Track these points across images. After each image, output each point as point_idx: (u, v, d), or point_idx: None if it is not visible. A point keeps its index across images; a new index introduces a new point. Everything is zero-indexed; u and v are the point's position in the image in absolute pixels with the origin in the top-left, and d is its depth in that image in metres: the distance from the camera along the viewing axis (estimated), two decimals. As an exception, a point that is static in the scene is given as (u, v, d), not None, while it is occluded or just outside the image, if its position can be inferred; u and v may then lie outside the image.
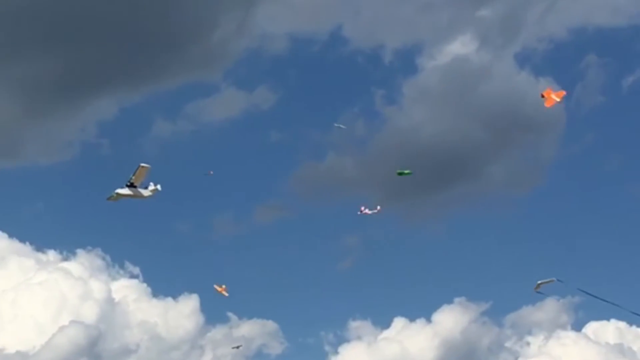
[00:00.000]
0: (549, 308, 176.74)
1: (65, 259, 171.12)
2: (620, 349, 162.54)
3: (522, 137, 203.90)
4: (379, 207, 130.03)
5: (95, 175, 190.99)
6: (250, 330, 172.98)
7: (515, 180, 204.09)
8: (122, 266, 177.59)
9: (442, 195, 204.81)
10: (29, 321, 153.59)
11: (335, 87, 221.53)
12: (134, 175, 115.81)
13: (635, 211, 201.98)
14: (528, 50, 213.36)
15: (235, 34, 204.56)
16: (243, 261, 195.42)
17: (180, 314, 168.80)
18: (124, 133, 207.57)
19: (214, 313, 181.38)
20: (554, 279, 73.69)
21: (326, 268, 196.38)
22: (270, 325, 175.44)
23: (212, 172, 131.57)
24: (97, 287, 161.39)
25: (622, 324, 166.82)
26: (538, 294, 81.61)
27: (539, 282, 74.69)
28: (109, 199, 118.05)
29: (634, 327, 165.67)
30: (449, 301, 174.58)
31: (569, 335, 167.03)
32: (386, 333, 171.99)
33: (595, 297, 77.76)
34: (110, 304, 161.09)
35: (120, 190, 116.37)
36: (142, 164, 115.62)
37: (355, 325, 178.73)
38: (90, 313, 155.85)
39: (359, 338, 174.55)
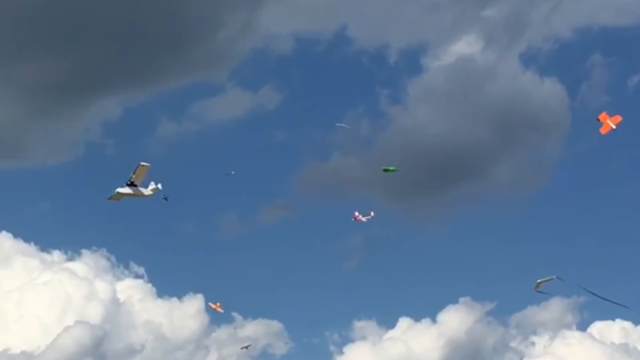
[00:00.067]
0: (554, 308, 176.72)
1: (70, 259, 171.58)
2: (625, 348, 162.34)
3: (527, 137, 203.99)
4: (372, 213, 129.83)
5: (100, 175, 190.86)
6: (255, 330, 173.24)
7: (520, 180, 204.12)
8: (127, 266, 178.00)
9: (447, 195, 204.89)
10: (34, 321, 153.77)
11: (340, 87, 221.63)
12: (134, 174, 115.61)
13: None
14: (533, 50, 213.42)
15: (240, 34, 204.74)
16: (248, 261, 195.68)
17: (185, 314, 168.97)
18: (129, 133, 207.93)
19: (218, 313, 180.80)
20: (554, 277, 73.53)
21: (331, 268, 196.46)
22: (275, 325, 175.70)
23: (233, 172, 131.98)
24: (102, 287, 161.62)
25: (628, 324, 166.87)
26: (543, 294, 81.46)
27: (539, 280, 74.54)
28: (110, 198, 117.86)
29: (639, 327, 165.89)
30: (454, 301, 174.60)
31: (574, 335, 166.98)
32: (391, 333, 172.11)
33: (596, 295, 77.70)
34: (115, 304, 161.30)
35: (120, 190, 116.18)
36: (142, 163, 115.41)
37: (360, 325, 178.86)
38: (95, 313, 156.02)
39: (364, 338, 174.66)
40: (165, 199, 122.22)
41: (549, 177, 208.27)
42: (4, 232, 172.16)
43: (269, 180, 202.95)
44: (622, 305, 76.76)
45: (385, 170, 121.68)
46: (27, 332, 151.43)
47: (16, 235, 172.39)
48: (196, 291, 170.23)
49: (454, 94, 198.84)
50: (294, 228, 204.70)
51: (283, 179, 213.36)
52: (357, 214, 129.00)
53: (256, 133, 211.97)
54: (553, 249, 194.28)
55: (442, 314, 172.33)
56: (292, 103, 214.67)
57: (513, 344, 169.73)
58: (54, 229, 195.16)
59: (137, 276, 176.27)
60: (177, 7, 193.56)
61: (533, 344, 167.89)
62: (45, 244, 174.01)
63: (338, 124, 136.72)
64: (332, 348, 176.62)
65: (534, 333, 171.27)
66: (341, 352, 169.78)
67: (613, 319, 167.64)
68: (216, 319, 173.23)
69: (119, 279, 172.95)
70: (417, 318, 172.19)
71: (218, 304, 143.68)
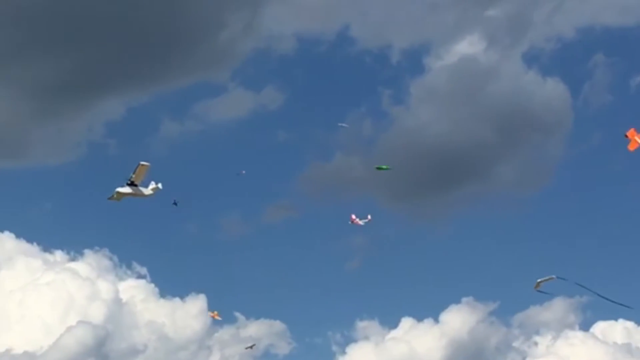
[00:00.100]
0: (557, 308, 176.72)
1: (73, 259, 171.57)
2: (628, 348, 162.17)
3: (529, 137, 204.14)
4: (369, 217, 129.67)
5: (102, 175, 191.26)
6: (258, 330, 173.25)
7: (522, 180, 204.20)
8: (129, 266, 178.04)
9: (449, 195, 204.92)
10: (36, 321, 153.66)
11: (342, 87, 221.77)
12: (134, 173, 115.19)
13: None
14: (536, 50, 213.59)
15: (243, 34, 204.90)
16: (250, 261, 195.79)
17: (188, 314, 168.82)
18: (132, 133, 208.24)
19: (221, 313, 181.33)
20: (554, 276, 73.32)
21: (334, 268, 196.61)
22: (278, 325, 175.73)
23: (244, 172, 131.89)
24: (104, 287, 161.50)
25: (630, 324, 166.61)
26: (546, 294, 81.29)
27: (539, 280, 74.32)
28: (110, 198, 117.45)
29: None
30: (457, 301, 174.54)
31: (577, 335, 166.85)
32: (394, 333, 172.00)
33: (598, 294, 77.57)
34: (117, 304, 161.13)
35: (120, 189, 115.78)
36: (142, 162, 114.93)
37: (362, 325, 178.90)
38: (97, 313, 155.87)
39: (366, 338, 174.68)
40: (175, 204, 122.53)
41: (551, 177, 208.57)
42: (6, 232, 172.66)
43: (272, 180, 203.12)
44: (624, 306, 76.60)
45: (379, 168, 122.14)
46: (30, 332, 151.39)
47: (19, 235, 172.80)
48: (199, 291, 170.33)
49: (457, 93, 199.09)
50: (296, 228, 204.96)
51: (286, 179, 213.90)
52: (354, 217, 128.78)
53: (259, 133, 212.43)
54: (555, 248, 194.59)
55: (445, 314, 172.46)
56: (295, 103, 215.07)
57: (516, 344, 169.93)
58: (56, 229, 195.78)
59: (140, 276, 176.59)
60: (180, 7, 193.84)
61: (536, 344, 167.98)
62: (47, 244, 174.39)
63: (339, 124, 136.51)
64: (334, 348, 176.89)
65: (537, 333, 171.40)
66: (344, 352, 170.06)
67: (616, 319, 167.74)
68: (219, 319, 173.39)
69: (121, 279, 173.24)
70: (419, 318, 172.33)
71: (215, 312, 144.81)
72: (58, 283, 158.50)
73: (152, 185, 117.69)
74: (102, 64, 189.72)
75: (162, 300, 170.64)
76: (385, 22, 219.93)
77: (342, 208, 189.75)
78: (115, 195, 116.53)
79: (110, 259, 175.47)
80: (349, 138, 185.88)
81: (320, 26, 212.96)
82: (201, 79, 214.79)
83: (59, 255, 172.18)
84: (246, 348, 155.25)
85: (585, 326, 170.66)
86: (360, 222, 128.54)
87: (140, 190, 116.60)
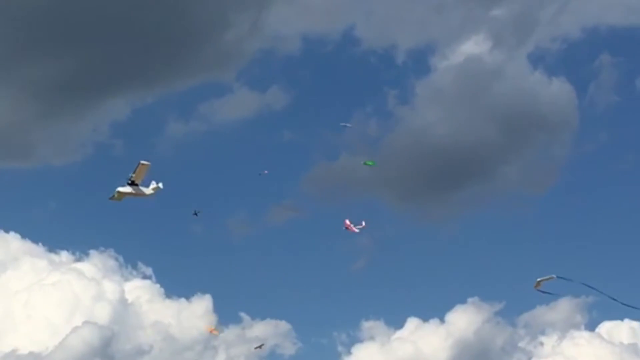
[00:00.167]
0: (563, 308, 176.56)
1: (78, 259, 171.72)
2: (634, 348, 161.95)
3: (535, 137, 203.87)
4: (363, 223, 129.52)
5: (108, 175, 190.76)
6: (263, 330, 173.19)
7: (528, 180, 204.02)
8: (135, 267, 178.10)
9: (455, 195, 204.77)
10: (42, 322, 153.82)
11: (347, 87, 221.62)
12: (134, 173, 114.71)
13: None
14: (541, 50, 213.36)
15: (248, 35, 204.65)
16: (256, 261, 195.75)
17: (194, 315, 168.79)
18: (137, 133, 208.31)
19: (227, 313, 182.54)
20: (554, 276, 72.96)
21: (339, 268, 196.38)
22: (283, 325, 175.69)
23: (266, 172, 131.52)
24: (110, 287, 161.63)
25: (636, 324, 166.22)
26: (552, 295, 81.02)
27: (539, 279, 73.93)
28: (111, 198, 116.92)
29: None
30: (463, 301, 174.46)
31: (583, 335, 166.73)
32: (399, 333, 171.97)
33: (600, 292, 77.24)
34: (123, 305, 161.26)
35: (121, 189, 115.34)
36: (142, 161, 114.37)
37: (368, 325, 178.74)
38: (103, 314, 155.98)
39: (372, 338, 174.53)
40: (195, 214, 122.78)
41: (557, 177, 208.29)
42: (12, 233, 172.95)
43: (277, 181, 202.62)
44: (631, 307, 76.35)
45: (365, 163, 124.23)
46: (35, 332, 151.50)
47: (24, 235, 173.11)
48: (204, 292, 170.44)
49: (462, 94, 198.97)
50: (302, 228, 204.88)
51: (291, 179, 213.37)
52: (348, 222, 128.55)
53: (264, 133, 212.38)
54: (561, 248, 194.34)
55: (451, 314, 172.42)
56: (300, 103, 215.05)
57: (521, 344, 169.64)
58: (61, 229, 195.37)
59: (145, 277, 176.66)
60: (185, 7, 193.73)
61: (541, 344, 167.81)
62: (53, 245, 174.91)
63: (342, 124, 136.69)
64: (340, 348, 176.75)
65: (543, 333, 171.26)
66: (349, 353, 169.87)
67: (622, 319, 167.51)
68: (224, 319, 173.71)
69: (127, 279, 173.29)
70: (425, 318, 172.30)
71: (213, 327, 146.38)
72: (63, 283, 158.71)
73: (153, 184, 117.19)
74: (107, 64, 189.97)
75: (167, 301, 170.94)
76: (391, 22, 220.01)
77: (347, 208, 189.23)
78: (116, 195, 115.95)
79: (116, 259, 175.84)
80: (354, 138, 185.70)
81: (325, 26, 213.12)
82: (206, 79, 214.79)
83: (64, 255, 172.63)
84: (255, 348, 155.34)
85: (591, 326, 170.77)
86: (355, 229, 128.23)
87: (141, 190, 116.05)
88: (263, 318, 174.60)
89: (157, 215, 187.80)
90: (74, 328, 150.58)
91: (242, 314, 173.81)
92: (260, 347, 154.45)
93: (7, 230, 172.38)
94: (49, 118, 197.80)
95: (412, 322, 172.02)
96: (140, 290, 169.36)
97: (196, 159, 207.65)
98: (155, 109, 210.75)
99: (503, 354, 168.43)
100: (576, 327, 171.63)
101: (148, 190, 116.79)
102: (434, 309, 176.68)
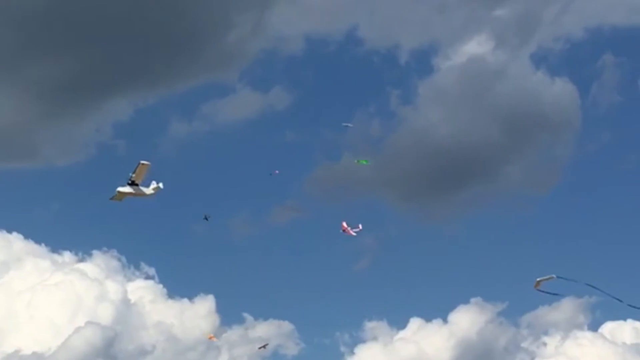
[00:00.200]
0: (566, 308, 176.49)
1: (81, 260, 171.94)
2: (637, 349, 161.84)
3: (538, 137, 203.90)
4: (360, 226, 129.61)
5: (111, 176, 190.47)
6: (266, 331, 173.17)
7: (531, 180, 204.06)
8: (137, 267, 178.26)
9: (458, 195, 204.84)
10: (45, 322, 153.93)
11: (350, 87, 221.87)
12: (134, 172, 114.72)
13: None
14: (544, 50, 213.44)
15: (251, 35, 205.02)
16: (259, 262, 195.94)
17: (196, 315, 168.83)
18: (140, 134, 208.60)
19: (229, 314, 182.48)
20: (554, 275, 72.91)
21: (342, 268, 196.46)
22: (286, 326, 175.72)
23: (277, 172, 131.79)
24: (112, 288, 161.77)
25: (639, 324, 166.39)
26: (554, 295, 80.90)
27: (538, 279, 73.85)
28: (111, 198, 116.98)
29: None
30: (465, 301, 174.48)
31: (586, 335, 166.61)
32: (402, 333, 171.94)
33: (603, 292, 77.22)
34: (126, 305, 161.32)
35: (121, 189, 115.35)
36: (142, 161, 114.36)
37: (371, 325, 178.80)
38: (106, 314, 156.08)
39: (374, 339, 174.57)
40: (206, 218, 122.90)
41: (560, 177, 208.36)
42: (14, 233, 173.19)
43: (279, 181, 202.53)
44: (637, 307, 76.27)
45: (359, 162, 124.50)
46: (38, 333, 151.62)
47: (27, 236, 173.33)
48: (207, 292, 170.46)
49: (465, 94, 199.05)
50: (304, 228, 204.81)
51: (294, 179, 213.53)
52: (345, 225, 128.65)
53: (266, 133, 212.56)
54: (564, 248, 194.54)
55: (453, 315, 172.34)
56: (303, 103, 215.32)
57: (524, 345, 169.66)
58: (64, 230, 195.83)
59: (148, 277, 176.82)
60: (187, 8, 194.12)
61: (544, 344, 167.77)
62: (56, 245, 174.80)
63: (343, 124, 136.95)
64: (343, 349, 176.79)
65: (546, 333, 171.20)
66: (352, 353, 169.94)
67: (624, 319, 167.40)
68: (227, 319, 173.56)
69: (129, 279, 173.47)
70: (428, 318, 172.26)
71: (212, 335, 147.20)
72: (66, 284, 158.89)
73: (154, 184, 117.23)
74: (110, 65, 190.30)
75: (170, 301, 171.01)
76: (394, 23, 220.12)
77: (350, 208, 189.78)
78: (116, 195, 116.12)
79: (119, 259, 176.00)
80: (357, 138, 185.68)
81: (328, 27, 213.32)
82: (209, 79, 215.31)
83: (67, 256, 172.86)
84: (259, 348, 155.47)
85: (594, 326, 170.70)
86: (352, 232, 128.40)
87: (141, 190, 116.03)
88: (266, 318, 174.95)
89: (159, 216, 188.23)
90: (77, 328, 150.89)
91: (245, 314, 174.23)
92: (264, 347, 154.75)
93: (10, 231, 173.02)
94: (52, 118, 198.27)
95: (414, 323, 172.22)
96: (143, 291, 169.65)
97: (199, 159, 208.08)
98: (158, 109, 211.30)
99: (506, 354, 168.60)
100: (579, 327, 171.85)
101: (148, 190, 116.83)
102: (436, 309, 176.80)
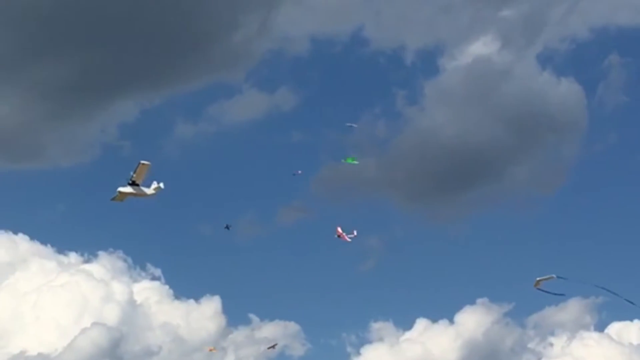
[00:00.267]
0: (572, 309, 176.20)
1: (87, 261, 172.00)
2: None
3: (544, 137, 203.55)
4: (355, 232, 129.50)
5: (116, 177, 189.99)
6: (273, 331, 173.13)
7: (537, 181, 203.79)
8: (143, 268, 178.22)
9: (464, 195, 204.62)
10: (51, 323, 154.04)
11: (356, 88, 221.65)
12: (134, 173, 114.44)
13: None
14: (550, 51, 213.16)
15: (257, 36, 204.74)
16: (265, 262, 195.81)
17: (203, 316, 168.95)
18: (145, 135, 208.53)
19: (236, 315, 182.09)
20: (554, 275, 72.90)
21: (348, 269, 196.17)
22: (292, 326, 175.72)
23: (300, 172, 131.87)
24: (118, 289, 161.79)
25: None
26: (561, 296, 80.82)
27: (538, 278, 73.77)
28: (113, 199, 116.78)
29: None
30: (472, 302, 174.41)
31: (592, 335, 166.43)
32: (408, 334, 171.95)
33: (610, 291, 77.16)
34: (132, 306, 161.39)
35: (122, 189, 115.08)
36: (142, 161, 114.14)
37: (377, 326, 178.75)
38: (112, 315, 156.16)
39: (381, 339, 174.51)
40: (227, 227, 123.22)
41: (566, 178, 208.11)
42: (20, 234, 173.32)
43: (286, 182, 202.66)
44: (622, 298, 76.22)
45: (346, 161, 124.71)
46: (44, 334, 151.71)
47: (33, 237, 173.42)
48: (213, 293, 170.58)
49: (471, 94, 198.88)
50: (311, 229, 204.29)
51: (300, 180, 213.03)
52: (340, 230, 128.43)
53: (273, 134, 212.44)
54: (570, 249, 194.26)
55: (460, 315, 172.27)
56: (309, 104, 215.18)
57: (531, 345, 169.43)
58: (70, 230, 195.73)
59: (154, 278, 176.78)
60: (194, 8, 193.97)
61: (551, 344, 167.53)
62: (61, 246, 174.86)
63: (347, 124, 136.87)
64: (349, 349, 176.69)
65: (552, 334, 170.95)
66: (358, 354, 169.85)
67: (631, 320, 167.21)
68: (233, 320, 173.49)
69: (135, 280, 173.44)
70: (434, 319, 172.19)
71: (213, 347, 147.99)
72: (72, 285, 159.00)
73: (154, 185, 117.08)
74: (116, 66, 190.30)
75: (176, 302, 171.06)
76: (399, 23, 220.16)
77: (356, 209, 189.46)
78: (117, 196, 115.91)
79: (125, 260, 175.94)
80: (363, 139, 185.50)
81: (334, 27, 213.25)
82: (215, 80, 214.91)
83: (73, 257, 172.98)
84: (268, 348, 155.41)
85: (601, 327, 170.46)
86: (347, 238, 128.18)
87: (142, 190, 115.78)
88: (272, 319, 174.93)
89: (165, 217, 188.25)
90: (83, 329, 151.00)
91: (251, 315, 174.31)
92: (273, 347, 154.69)
93: (15, 232, 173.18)
94: (57, 119, 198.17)
95: (421, 323, 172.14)
96: (149, 292, 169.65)
97: (204, 160, 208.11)
98: (164, 110, 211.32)
99: (512, 354, 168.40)
100: (585, 327, 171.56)
101: (149, 191, 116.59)
102: (443, 310, 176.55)
